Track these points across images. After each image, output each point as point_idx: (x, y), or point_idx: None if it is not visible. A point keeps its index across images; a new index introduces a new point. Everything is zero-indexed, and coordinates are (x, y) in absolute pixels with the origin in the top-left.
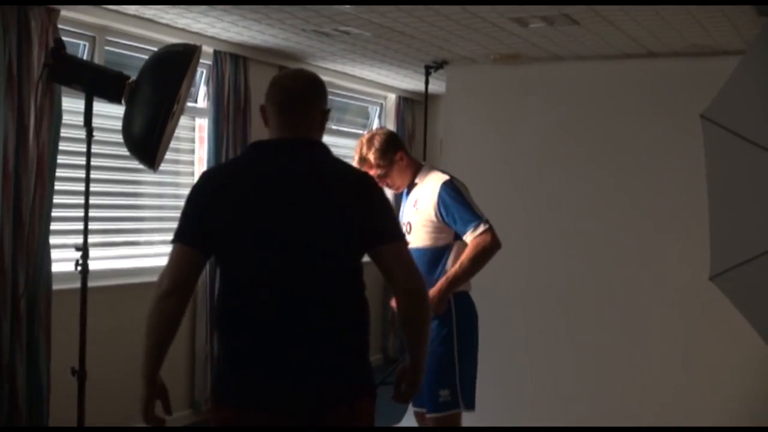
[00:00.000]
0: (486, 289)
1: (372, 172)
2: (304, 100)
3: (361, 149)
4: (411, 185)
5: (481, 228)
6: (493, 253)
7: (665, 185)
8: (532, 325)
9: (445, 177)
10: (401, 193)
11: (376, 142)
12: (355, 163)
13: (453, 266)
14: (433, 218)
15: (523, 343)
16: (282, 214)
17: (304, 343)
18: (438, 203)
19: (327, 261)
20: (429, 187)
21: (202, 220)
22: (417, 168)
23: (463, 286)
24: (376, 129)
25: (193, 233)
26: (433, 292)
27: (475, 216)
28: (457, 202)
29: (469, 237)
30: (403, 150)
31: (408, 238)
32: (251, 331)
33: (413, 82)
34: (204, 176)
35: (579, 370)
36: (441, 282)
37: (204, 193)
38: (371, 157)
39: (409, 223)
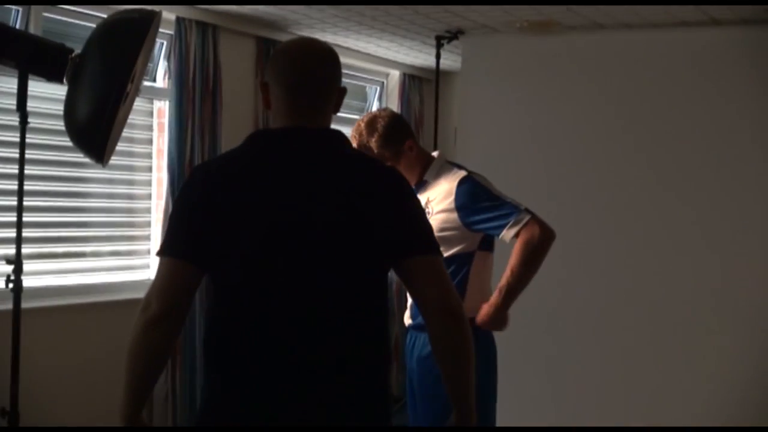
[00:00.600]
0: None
1: (370, 152)
2: (322, 79)
3: (360, 134)
4: (420, 183)
5: (523, 219)
6: (547, 247)
7: (732, 180)
8: (565, 343)
9: (461, 173)
10: None
11: (380, 126)
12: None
13: (479, 279)
14: (453, 224)
15: (557, 359)
16: (302, 225)
17: (325, 377)
18: (459, 206)
19: (355, 281)
20: (443, 187)
21: (200, 229)
22: (427, 162)
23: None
24: (378, 110)
25: (189, 245)
26: (485, 308)
27: (510, 207)
28: (482, 199)
29: (509, 234)
30: (412, 138)
31: None
32: (263, 361)
33: (421, 57)
34: (198, 174)
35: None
36: (494, 297)
37: (201, 196)
38: (373, 144)
39: None
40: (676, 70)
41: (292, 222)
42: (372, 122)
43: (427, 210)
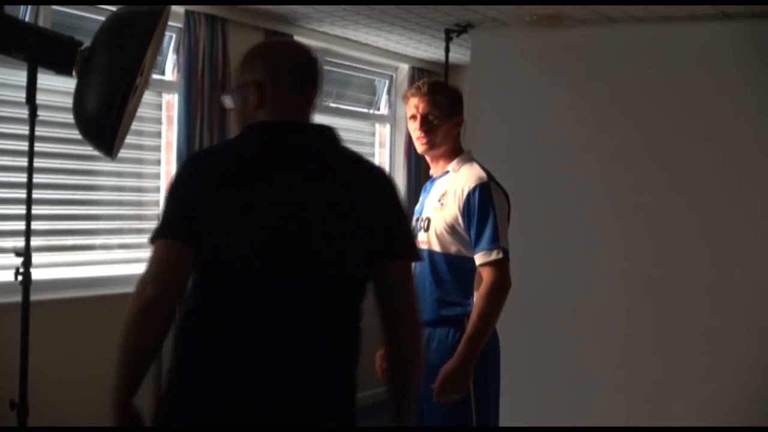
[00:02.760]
0: (522, 297)
1: (420, 107)
2: (319, 80)
3: (433, 81)
4: (442, 173)
5: (495, 255)
6: (505, 295)
7: (743, 176)
8: (568, 342)
9: (484, 177)
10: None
11: (452, 90)
12: (405, 92)
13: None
14: (458, 220)
15: (563, 348)
16: (303, 221)
17: (316, 375)
18: (464, 204)
19: (349, 279)
20: (460, 182)
21: (200, 215)
22: (458, 151)
23: None
24: None
25: (187, 227)
26: (451, 364)
27: (495, 238)
28: (484, 212)
29: (479, 259)
30: (463, 121)
31: (421, 236)
32: (256, 355)
33: (431, 50)
34: (197, 161)
35: (617, 379)
36: (461, 348)
37: (200, 182)
38: (440, 95)
39: (428, 219)
40: (687, 64)
41: (293, 217)
42: (446, 84)
43: (441, 202)
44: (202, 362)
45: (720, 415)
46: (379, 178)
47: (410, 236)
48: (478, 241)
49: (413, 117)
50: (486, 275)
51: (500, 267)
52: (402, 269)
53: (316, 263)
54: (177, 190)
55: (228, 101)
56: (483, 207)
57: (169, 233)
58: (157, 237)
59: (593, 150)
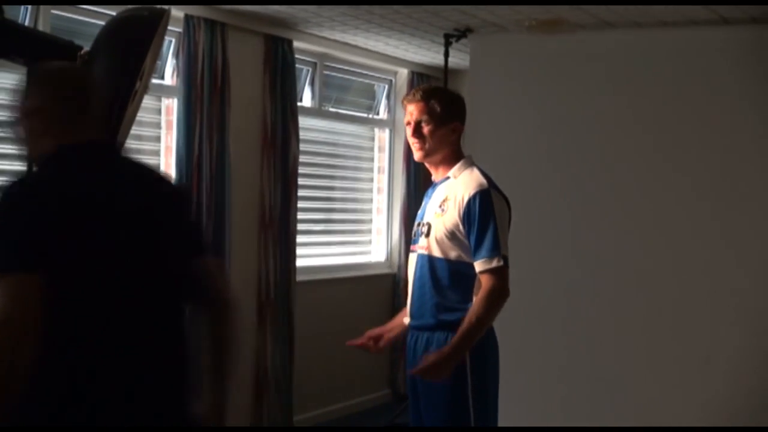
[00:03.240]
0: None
1: (414, 114)
2: (92, 98)
3: (428, 87)
4: (443, 179)
5: (495, 263)
6: (503, 302)
7: (742, 178)
8: (574, 333)
9: (485, 184)
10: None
11: (449, 93)
12: (403, 98)
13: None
14: (458, 227)
15: (563, 349)
16: (133, 232)
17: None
18: (464, 211)
19: (172, 281)
20: (461, 188)
21: (43, 244)
22: (457, 156)
23: None
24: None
25: (37, 256)
26: (438, 352)
27: (496, 245)
28: (485, 219)
29: (479, 266)
30: (462, 127)
31: (422, 241)
32: (115, 384)
33: (430, 55)
34: (17, 192)
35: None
36: (455, 339)
37: (35, 212)
38: (433, 101)
39: (429, 225)
40: (686, 69)
41: (125, 233)
42: (446, 89)
43: (442, 208)
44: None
45: (720, 416)
46: (170, 185)
47: (204, 234)
48: (478, 248)
49: (408, 123)
50: (484, 282)
51: (500, 274)
52: (209, 262)
53: (149, 271)
54: (13, 222)
55: (16, 131)
56: (483, 214)
57: (21, 265)
58: (6, 270)
59: (592, 155)
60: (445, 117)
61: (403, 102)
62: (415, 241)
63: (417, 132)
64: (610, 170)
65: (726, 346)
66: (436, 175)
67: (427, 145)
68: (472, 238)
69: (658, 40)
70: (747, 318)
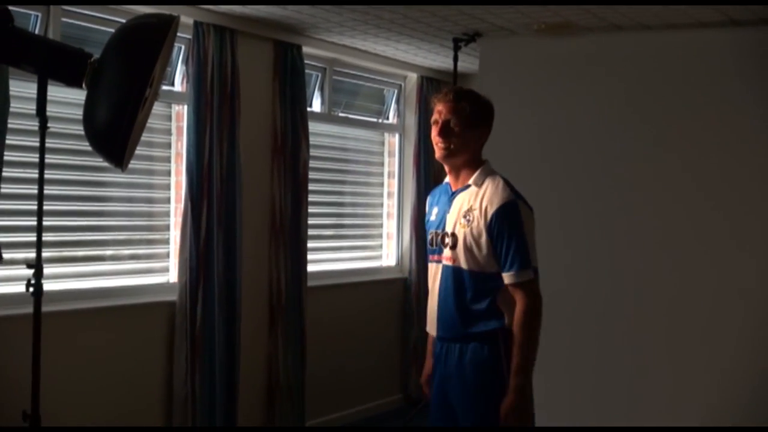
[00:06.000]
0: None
1: (443, 113)
2: None
3: (460, 88)
4: (462, 187)
5: (526, 275)
6: (540, 313)
7: (750, 180)
8: (587, 332)
9: (511, 196)
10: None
11: (481, 98)
12: (432, 97)
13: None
14: (486, 239)
15: (577, 349)
16: None
17: None
18: (492, 223)
19: None
20: (486, 199)
21: None
22: (478, 163)
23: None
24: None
25: None
26: (508, 400)
27: (524, 255)
28: (513, 232)
29: (509, 278)
30: (489, 133)
31: (446, 252)
32: None
33: (439, 59)
34: None
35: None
36: (512, 382)
37: None
38: (464, 103)
39: (455, 236)
40: (695, 71)
41: None
42: (478, 94)
43: (467, 218)
44: None
45: (721, 416)
46: None
47: None
48: (508, 261)
49: (435, 122)
50: (519, 297)
51: (531, 287)
52: None
53: None
54: None
55: None
56: (512, 226)
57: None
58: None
59: (602, 157)
60: (474, 120)
61: (432, 100)
62: (437, 251)
63: (444, 131)
64: (620, 172)
65: (732, 346)
66: (453, 180)
67: (452, 146)
68: (502, 250)
69: (667, 42)
70: (755, 317)
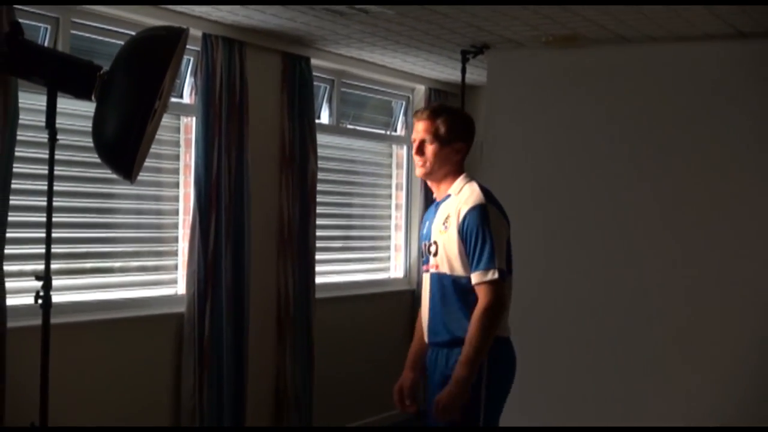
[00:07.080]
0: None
1: (419, 131)
2: None
3: (438, 105)
4: (444, 197)
5: (490, 276)
6: (500, 316)
7: (754, 191)
8: (585, 342)
9: (482, 199)
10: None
11: (457, 114)
12: (416, 113)
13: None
14: (460, 242)
15: (574, 359)
16: None
17: None
18: (462, 226)
19: None
20: (460, 204)
21: None
22: (458, 175)
23: (501, 330)
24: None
25: None
26: (445, 391)
27: (491, 258)
28: (480, 233)
29: (475, 278)
30: (467, 147)
31: (431, 260)
32: None
33: (447, 71)
34: None
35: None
36: (454, 373)
37: None
38: (440, 121)
39: (436, 243)
40: (702, 84)
41: None
42: (455, 109)
43: (445, 225)
44: None
45: (722, 416)
46: None
47: None
48: (474, 260)
49: (414, 140)
50: (480, 296)
51: (495, 287)
52: None
53: None
54: None
55: None
56: (479, 228)
57: None
58: None
59: (610, 168)
60: (449, 137)
61: (413, 116)
62: (426, 261)
63: (420, 150)
64: (628, 183)
65: (735, 346)
66: (437, 192)
67: (428, 164)
68: (470, 250)
69: (674, 54)
70: (758, 317)
